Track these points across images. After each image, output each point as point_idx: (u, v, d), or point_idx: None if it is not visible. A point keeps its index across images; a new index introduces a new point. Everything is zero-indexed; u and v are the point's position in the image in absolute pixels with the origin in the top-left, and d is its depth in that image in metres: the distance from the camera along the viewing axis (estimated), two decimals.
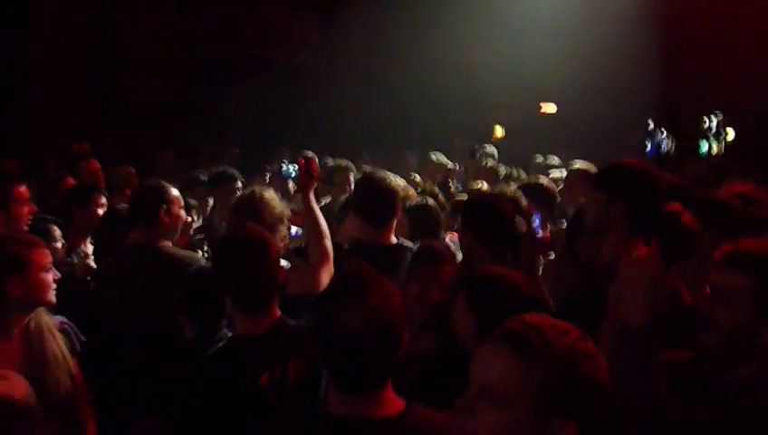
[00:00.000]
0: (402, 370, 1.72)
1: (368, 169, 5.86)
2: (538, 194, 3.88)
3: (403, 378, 1.75)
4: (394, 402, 1.68)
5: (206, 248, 3.73)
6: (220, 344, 2.41)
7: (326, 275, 2.65)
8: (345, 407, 1.65)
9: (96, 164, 5.63)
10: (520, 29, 10.20)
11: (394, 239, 3.19)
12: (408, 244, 3.17)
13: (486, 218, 2.89)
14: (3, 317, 2.40)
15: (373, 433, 1.63)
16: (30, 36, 8.80)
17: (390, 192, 3.16)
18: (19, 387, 1.82)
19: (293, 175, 2.84)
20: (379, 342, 1.62)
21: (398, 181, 3.44)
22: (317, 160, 2.85)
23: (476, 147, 5.27)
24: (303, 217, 2.82)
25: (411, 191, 3.99)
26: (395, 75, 10.58)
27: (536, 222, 3.19)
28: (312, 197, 2.81)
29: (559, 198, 4.24)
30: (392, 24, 10.10)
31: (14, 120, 8.07)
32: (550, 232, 3.41)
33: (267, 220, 3.06)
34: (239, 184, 4.68)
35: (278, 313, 2.28)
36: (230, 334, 2.56)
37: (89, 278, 3.52)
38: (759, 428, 1.75)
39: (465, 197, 4.33)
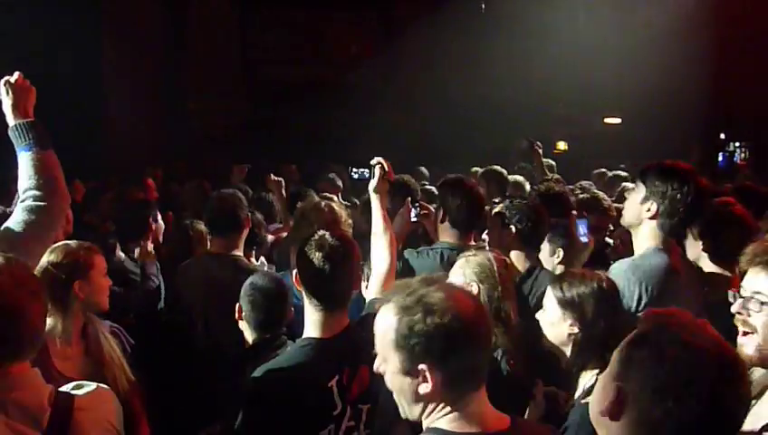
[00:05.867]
0: None
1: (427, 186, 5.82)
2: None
3: None
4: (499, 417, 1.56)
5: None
6: (291, 346, 2.39)
7: (390, 282, 2.57)
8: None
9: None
10: (579, 45, 10.07)
11: None
12: None
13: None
14: (66, 321, 2.44)
15: None
16: (103, 82, 9.26)
17: None
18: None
19: (369, 178, 2.83)
20: None
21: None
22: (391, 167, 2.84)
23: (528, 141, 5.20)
24: (373, 222, 2.77)
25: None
26: (454, 91, 10.53)
27: (582, 228, 3.29)
28: (384, 201, 2.78)
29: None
30: (449, 41, 10.09)
31: (95, 149, 8.42)
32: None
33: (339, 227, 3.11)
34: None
35: (347, 320, 2.26)
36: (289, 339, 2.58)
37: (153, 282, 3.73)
38: None
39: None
